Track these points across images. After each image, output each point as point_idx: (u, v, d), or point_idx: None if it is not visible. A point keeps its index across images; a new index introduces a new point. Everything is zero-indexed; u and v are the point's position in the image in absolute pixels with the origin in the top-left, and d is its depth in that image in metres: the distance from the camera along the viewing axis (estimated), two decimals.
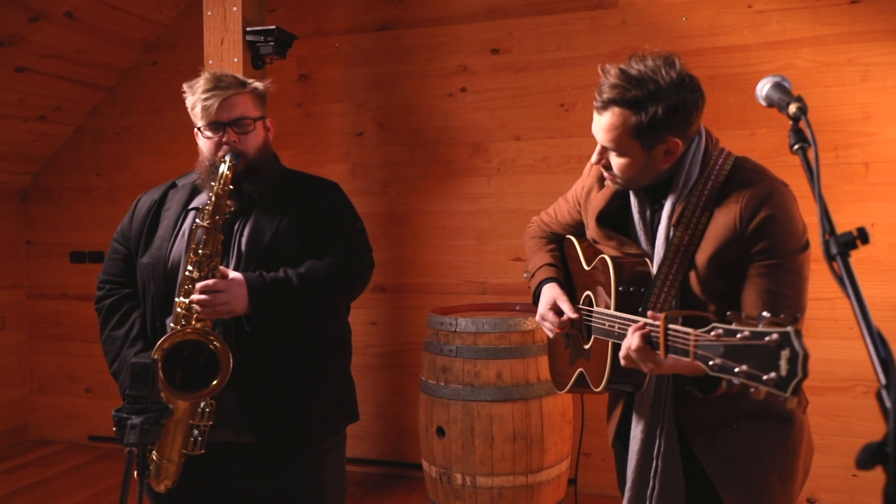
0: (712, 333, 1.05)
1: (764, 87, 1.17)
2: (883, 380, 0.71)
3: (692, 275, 1.38)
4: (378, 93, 3.66)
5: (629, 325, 1.30)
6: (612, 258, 1.45)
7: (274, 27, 2.87)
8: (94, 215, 4.18)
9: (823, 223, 0.86)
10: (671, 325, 1.18)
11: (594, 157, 1.45)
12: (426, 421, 2.97)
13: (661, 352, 1.20)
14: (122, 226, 1.80)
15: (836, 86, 3.02)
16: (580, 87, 3.35)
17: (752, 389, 0.98)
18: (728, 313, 1.05)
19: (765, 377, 0.95)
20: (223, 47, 2.90)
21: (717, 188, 1.38)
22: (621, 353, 1.29)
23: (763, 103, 1.19)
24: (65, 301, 4.27)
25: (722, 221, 1.35)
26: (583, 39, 3.34)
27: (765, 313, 0.99)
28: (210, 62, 2.92)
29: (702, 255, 1.36)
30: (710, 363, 1.04)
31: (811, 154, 0.98)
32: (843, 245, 0.83)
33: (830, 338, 3.06)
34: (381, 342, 3.72)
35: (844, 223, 3.04)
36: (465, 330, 2.86)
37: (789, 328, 0.94)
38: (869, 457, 0.67)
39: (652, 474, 1.47)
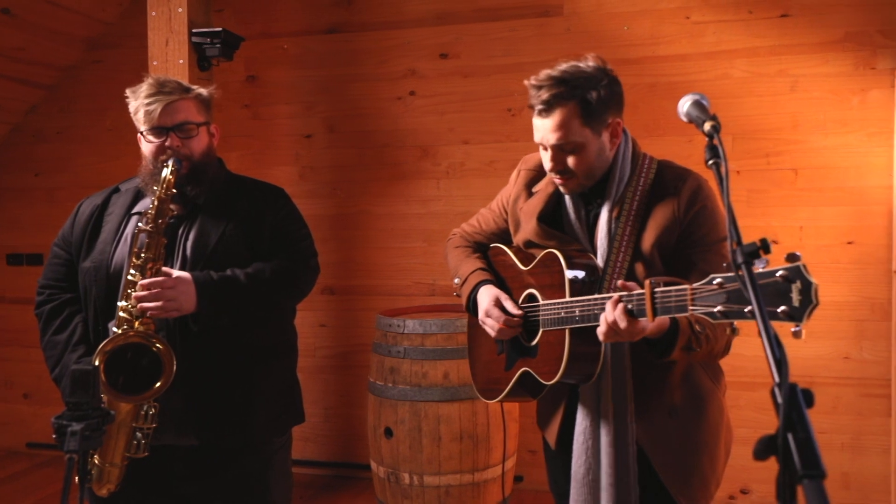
0: (714, 283, 1.09)
1: (684, 105, 1.25)
2: (777, 378, 0.78)
3: (638, 265, 1.47)
4: (327, 95, 3.67)
5: (594, 307, 1.35)
6: (561, 251, 1.50)
7: (220, 29, 2.86)
8: (33, 216, 4.06)
9: (731, 233, 0.93)
10: (657, 289, 1.23)
11: (549, 164, 1.49)
12: (374, 422, 3.00)
13: (648, 316, 1.24)
14: (64, 230, 1.78)
15: (767, 95, 3.17)
16: (526, 93, 3.42)
17: (730, 329, 1.05)
18: (724, 265, 1.11)
19: (778, 311, 0.99)
20: (168, 48, 2.86)
21: (649, 184, 1.50)
22: (601, 330, 1.31)
23: (683, 119, 1.26)
24: (1, 305, 4.14)
25: (661, 211, 1.47)
26: (529, 46, 3.42)
27: (762, 260, 1.02)
28: (155, 63, 2.88)
29: (646, 244, 1.46)
30: (716, 311, 1.07)
31: (723, 169, 1.05)
32: (748, 255, 0.90)
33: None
34: (331, 344, 3.73)
35: (776, 226, 3.20)
36: (412, 331, 2.90)
37: (799, 263, 0.99)
38: (763, 448, 0.74)
39: (605, 464, 1.50)
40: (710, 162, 1.07)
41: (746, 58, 3.18)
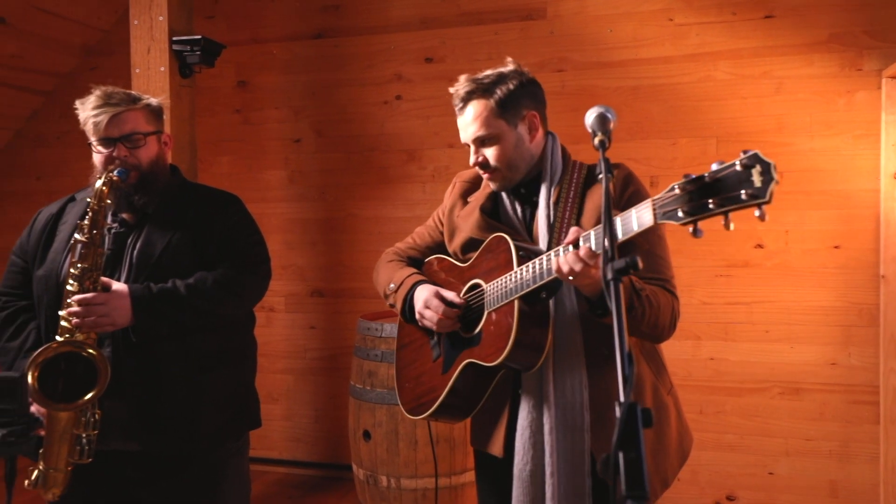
0: (675, 190, 1.10)
1: (590, 115, 1.24)
2: (622, 397, 0.78)
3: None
4: (315, 100, 3.70)
5: (546, 262, 1.34)
6: (507, 234, 1.51)
7: (200, 37, 2.90)
8: None
9: (605, 250, 0.93)
10: (618, 216, 1.21)
11: (472, 159, 1.57)
12: (354, 425, 3.03)
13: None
14: (21, 239, 1.83)
15: (752, 97, 3.13)
16: None
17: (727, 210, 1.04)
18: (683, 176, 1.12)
19: (742, 194, 1.01)
20: (150, 56, 2.92)
21: (583, 176, 1.57)
22: (565, 267, 1.28)
23: (588, 129, 1.25)
24: None
25: (598, 196, 1.52)
26: (513, 49, 3.41)
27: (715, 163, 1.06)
28: (137, 71, 2.94)
29: (587, 225, 1.49)
30: (679, 213, 1.08)
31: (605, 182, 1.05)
32: (618, 272, 0.90)
33: (747, 341, 3.17)
34: (320, 346, 3.77)
35: (760, 230, 3.16)
36: (390, 335, 2.92)
37: (754, 151, 1.01)
38: (603, 466, 0.74)
39: (547, 452, 1.47)
40: (599, 175, 1.07)
41: (730, 59, 3.14)
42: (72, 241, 1.60)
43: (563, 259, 1.29)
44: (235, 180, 3.77)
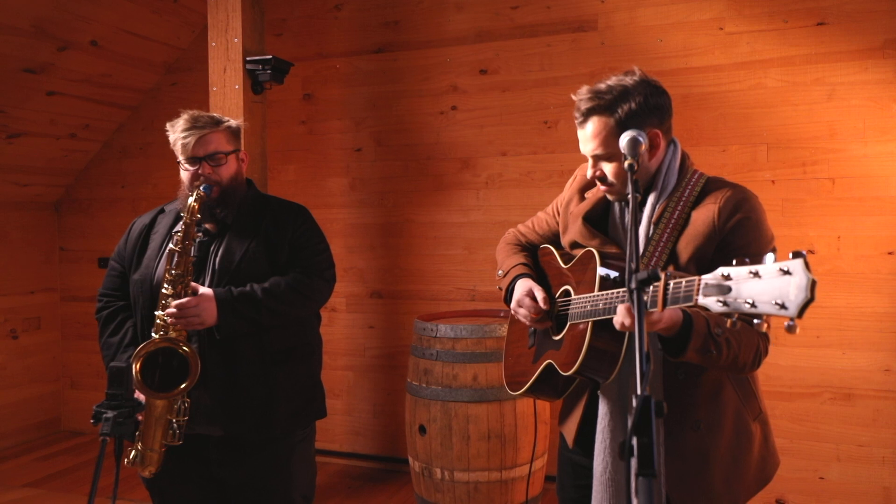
0: (720, 274, 1.08)
1: (624, 139, 1.34)
2: (638, 390, 0.91)
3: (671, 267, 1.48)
4: (375, 111, 3.91)
5: (616, 299, 1.37)
6: (596, 249, 1.55)
7: (271, 57, 3.13)
8: (120, 224, 4.51)
9: (629, 261, 1.06)
10: (671, 280, 1.21)
11: (589, 172, 1.56)
12: (410, 419, 3.20)
13: (658, 305, 1.21)
14: (119, 246, 2.07)
15: (803, 104, 3.15)
16: (562, 106, 3.54)
17: (756, 321, 1.03)
18: (734, 259, 1.10)
19: (775, 302, 0.99)
20: (226, 75, 3.17)
21: (694, 195, 1.51)
22: (617, 318, 1.28)
23: (622, 150, 1.36)
24: (93, 304, 4.57)
25: (701, 220, 1.47)
26: (564, 60, 3.53)
27: (769, 255, 1.04)
28: (214, 89, 3.20)
29: (682, 250, 1.47)
30: (717, 300, 1.07)
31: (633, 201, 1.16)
32: (641, 282, 1.02)
33: (798, 346, 3.19)
34: (378, 345, 3.97)
35: (813, 236, 3.18)
36: (444, 335, 3.08)
37: (799, 259, 0.98)
38: (620, 449, 0.87)
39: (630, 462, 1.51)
40: (628, 195, 1.18)
41: (781, 67, 3.17)
42: (167, 250, 1.83)
43: (619, 308, 1.28)
44: (301, 187, 4.02)
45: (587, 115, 1.50)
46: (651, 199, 1.52)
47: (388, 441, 3.98)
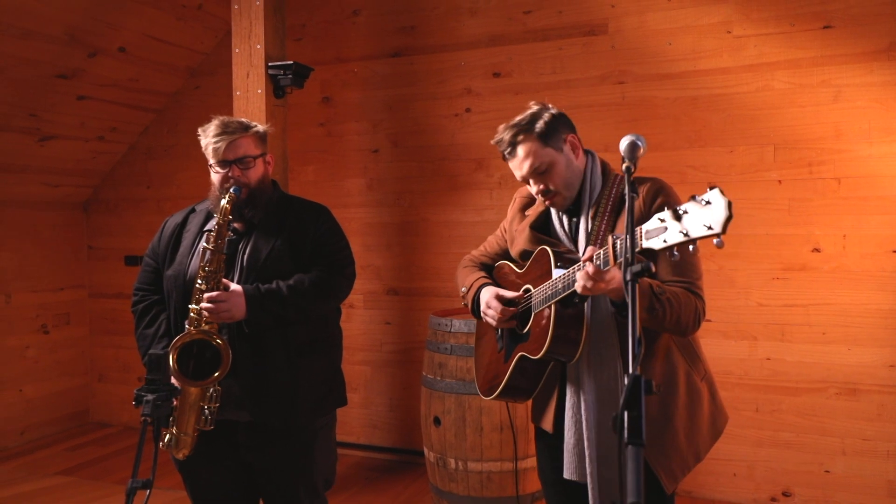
0: (657, 219, 1.30)
1: (623, 142, 1.45)
2: (630, 370, 1.01)
3: None
4: (392, 113, 4.03)
5: (572, 275, 1.58)
6: (549, 248, 1.77)
7: (292, 62, 3.26)
8: (146, 223, 4.68)
9: (626, 256, 1.16)
10: (617, 240, 1.46)
11: (535, 190, 1.81)
12: (426, 411, 3.32)
13: (611, 262, 1.46)
14: (153, 244, 2.21)
15: (809, 106, 3.22)
16: (574, 108, 3.62)
17: (692, 248, 1.25)
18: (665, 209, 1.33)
19: (703, 225, 1.21)
20: (249, 80, 3.30)
21: (621, 192, 1.76)
22: (579, 284, 1.53)
23: (621, 153, 1.46)
24: (120, 300, 4.79)
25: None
26: (576, 64, 3.63)
27: (691, 197, 1.26)
28: (238, 93, 3.33)
29: (621, 231, 1.66)
30: (659, 239, 1.29)
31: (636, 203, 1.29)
32: (635, 274, 1.13)
33: (805, 342, 3.26)
34: (394, 340, 4.09)
35: (819, 235, 3.26)
36: (458, 330, 3.20)
37: (715, 189, 1.21)
38: (613, 422, 0.98)
39: (586, 437, 1.71)
40: (626, 196, 1.30)
41: (788, 69, 3.25)
42: (201, 248, 1.95)
43: (578, 276, 1.53)
44: (320, 187, 4.15)
45: (513, 142, 1.74)
46: (584, 200, 1.77)
47: (403, 434, 4.10)
